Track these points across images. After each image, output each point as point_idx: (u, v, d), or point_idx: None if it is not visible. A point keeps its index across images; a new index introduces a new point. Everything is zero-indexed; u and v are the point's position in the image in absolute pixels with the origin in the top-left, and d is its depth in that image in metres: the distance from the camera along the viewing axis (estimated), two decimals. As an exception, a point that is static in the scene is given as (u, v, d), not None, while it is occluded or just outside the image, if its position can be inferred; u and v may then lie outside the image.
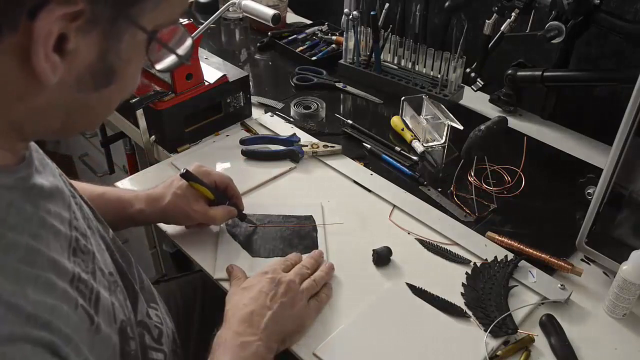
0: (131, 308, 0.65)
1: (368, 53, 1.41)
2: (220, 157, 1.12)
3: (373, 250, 0.90)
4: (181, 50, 0.52)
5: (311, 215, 0.98)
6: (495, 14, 1.17)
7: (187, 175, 0.87)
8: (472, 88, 1.30)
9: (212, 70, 1.17)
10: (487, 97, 1.32)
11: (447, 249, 0.92)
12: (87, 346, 0.48)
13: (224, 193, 0.92)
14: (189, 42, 0.52)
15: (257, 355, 0.70)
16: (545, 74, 1.18)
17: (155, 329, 0.70)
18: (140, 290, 0.70)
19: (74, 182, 0.76)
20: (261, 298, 0.75)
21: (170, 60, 0.52)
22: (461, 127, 1.10)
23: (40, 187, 0.52)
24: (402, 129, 1.21)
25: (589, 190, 0.97)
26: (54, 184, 0.55)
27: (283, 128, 1.20)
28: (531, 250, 0.90)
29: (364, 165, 1.11)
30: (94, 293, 0.53)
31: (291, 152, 1.11)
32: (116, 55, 0.47)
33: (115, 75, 0.48)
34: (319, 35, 1.62)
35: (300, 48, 1.54)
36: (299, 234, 0.94)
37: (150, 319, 0.70)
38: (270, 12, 1.13)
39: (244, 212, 0.94)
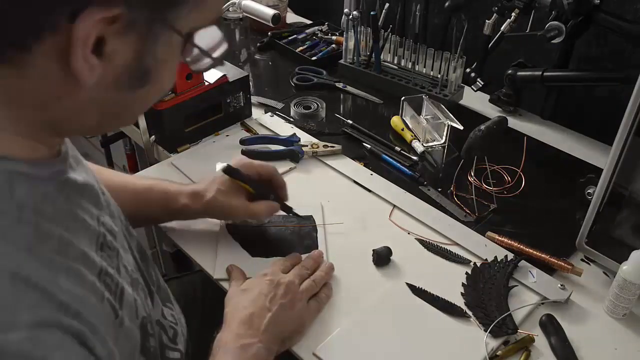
0: (151, 306, 0.66)
1: (368, 53, 1.41)
2: (220, 157, 1.11)
3: (373, 250, 0.90)
4: (216, 53, 0.53)
5: (311, 215, 0.97)
6: (495, 14, 1.17)
7: (228, 170, 0.86)
8: (472, 88, 1.30)
9: (212, 70, 1.17)
10: (487, 97, 1.32)
11: (447, 249, 0.92)
12: (112, 339, 0.50)
13: (267, 185, 0.90)
14: (224, 45, 0.53)
15: (258, 357, 0.70)
16: (545, 74, 1.18)
17: (170, 329, 0.70)
18: (156, 291, 0.71)
19: (119, 174, 0.76)
20: (260, 300, 0.76)
21: (205, 62, 0.54)
22: (461, 127, 1.10)
23: (74, 182, 0.53)
24: (402, 129, 1.21)
25: (589, 190, 0.97)
26: (86, 180, 0.57)
27: (283, 128, 1.20)
28: (531, 250, 0.90)
29: (364, 165, 1.11)
30: (119, 288, 0.55)
31: (291, 152, 1.11)
32: (152, 57, 0.48)
33: (150, 76, 0.49)
34: (319, 35, 1.62)
35: (300, 48, 1.54)
36: (299, 234, 0.94)
37: (166, 319, 0.71)
38: (270, 12, 1.13)
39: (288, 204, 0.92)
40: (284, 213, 0.92)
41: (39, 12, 0.41)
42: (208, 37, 0.51)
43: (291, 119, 1.25)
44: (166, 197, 0.88)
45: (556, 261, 0.88)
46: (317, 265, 0.86)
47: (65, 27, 0.41)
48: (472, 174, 1.07)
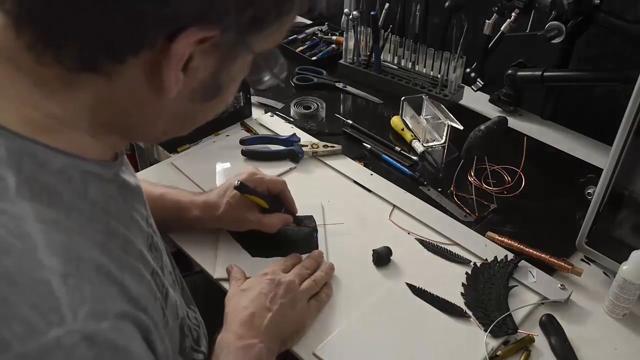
0: (184, 307, 0.67)
1: (368, 53, 1.41)
2: (220, 157, 1.12)
3: (373, 250, 0.90)
4: (279, 72, 0.56)
5: (311, 215, 0.97)
6: (495, 14, 1.17)
7: (240, 188, 0.86)
8: (472, 88, 1.30)
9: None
10: (487, 97, 1.32)
11: (447, 249, 0.92)
12: (161, 337, 0.51)
13: (277, 198, 0.91)
14: (282, 62, 0.57)
15: (260, 358, 0.70)
16: (545, 74, 1.18)
17: (194, 331, 0.71)
18: (180, 293, 0.71)
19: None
20: (261, 300, 0.76)
21: (265, 78, 0.57)
22: (461, 127, 1.10)
23: (128, 184, 0.56)
24: (402, 129, 1.21)
25: (589, 190, 0.97)
26: (136, 182, 0.59)
27: (283, 128, 1.20)
28: (531, 250, 0.90)
29: (364, 165, 1.11)
30: (165, 288, 0.56)
31: (291, 152, 1.11)
32: (227, 74, 0.50)
33: (221, 91, 0.52)
34: (319, 35, 1.62)
35: (300, 48, 1.55)
36: (299, 234, 0.94)
37: (190, 321, 0.71)
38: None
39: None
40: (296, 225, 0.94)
41: (145, 29, 0.42)
42: (270, 55, 0.54)
43: (291, 119, 1.25)
44: (179, 207, 0.89)
45: (556, 261, 0.88)
46: (317, 265, 0.86)
47: (163, 44, 0.43)
48: (472, 174, 1.07)
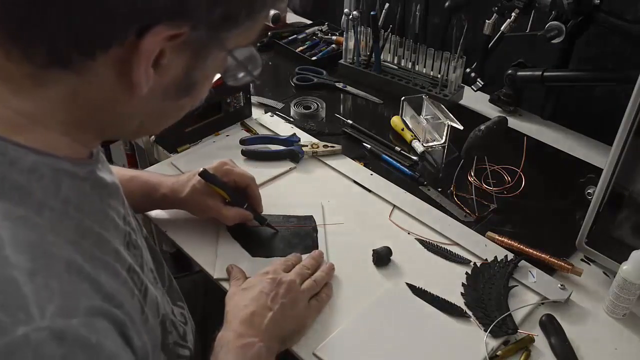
0: (169, 304, 0.67)
1: (368, 53, 1.41)
2: (220, 157, 1.10)
3: (373, 250, 0.90)
4: (253, 69, 0.56)
5: (311, 215, 0.98)
6: (495, 14, 1.17)
7: (204, 174, 0.88)
8: (472, 88, 1.30)
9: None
10: (487, 97, 1.32)
11: (447, 249, 0.92)
12: (140, 333, 0.51)
13: (243, 193, 0.92)
14: (258, 60, 0.56)
15: (259, 357, 0.70)
16: (545, 74, 1.18)
17: (180, 327, 0.71)
18: (167, 290, 0.72)
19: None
20: (262, 299, 0.76)
21: (241, 76, 0.57)
22: (461, 127, 1.10)
23: (105, 182, 0.56)
24: (402, 129, 1.21)
25: (589, 190, 0.97)
26: (113, 180, 0.59)
27: (283, 128, 1.20)
28: (531, 250, 0.90)
29: (364, 165, 1.11)
30: (144, 285, 0.56)
31: (291, 152, 1.11)
32: (200, 72, 0.51)
33: (195, 87, 0.52)
34: (319, 35, 1.62)
35: (300, 48, 1.54)
36: (299, 234, 0.94)
37: (176, 317, 0.71)
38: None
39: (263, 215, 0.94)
40: (257, 223, 0.94)
41: (114, 25, 0.42)
42: (244, 52, 0.53)
43: (291, 119, 1.25)
44: (147, 186, 0.91)
45: (556, 261, 0.88)
46: (317, 264, 0.86)
47: (132, 40, 0.43)
48: (472, 174, 1.07)
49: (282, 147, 1.12)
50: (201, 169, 0.88)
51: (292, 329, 0.77)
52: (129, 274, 0.52)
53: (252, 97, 1.25)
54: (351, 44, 1.42)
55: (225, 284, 0.85)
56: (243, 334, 0.71)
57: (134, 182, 0.90)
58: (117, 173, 0.84)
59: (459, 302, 0.83)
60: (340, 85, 1.39)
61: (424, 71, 1.36)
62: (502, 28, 1.17)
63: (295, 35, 1.60)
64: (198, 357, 0.75)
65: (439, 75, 1.31)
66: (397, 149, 1.16)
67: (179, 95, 0.52)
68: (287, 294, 0.77)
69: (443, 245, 0.93)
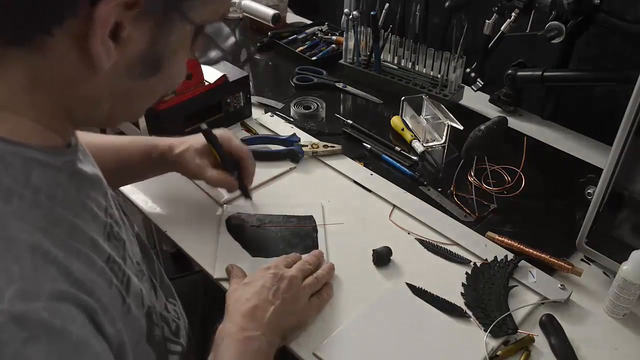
0: (155, 298, 0.67)
1: (368, 53, 1.41)
2: (220, 157, 1.11)
3: (373, 250, 0.90)
4: (225, 45, 0.54)
5: (311, 215, 0.98)
6: (495, 14, 1.17)
7: (205, 131, 0.89)
8: (472, 88, 1.30)
9: (212, 70, 1.17)
10: (487, 97, 1.32)
11: (447, 249, 0.92)
12: (121, 322, 0.51)
13: (234, 164, 0.93)
14: (231, 39, 0.55)
15: (260, 351, 0.71)
16: (545, 74, 1.18)
17: (172, 322, 0.71)
18: (159, 285, 0.72)
19: (102, 135, 0.78)
20: (264, 293, 0.76)
21: (213, 54, 0.55)
22: (461, 127, 1.10)
23: (84, 173, 0.55)
24: (402, 129, 1.21)
25: (589, 190, 0.97)
26: (94, 172, 0.58)
27: (283, 128, 1.20)
28: (531, 250, 0.90)
29: (364, 165, 1.11)
30: (126, 276, 0.56)
31: (291, 152, 1.11)
32: (165, 46, 0.50)
33: (162, 65, 0.51)
34: (319, 35, 1.62)
35: (300, 48, 1.54)
36: (299, 234, 0.94)
37: (169, 313, 0.72)
38: (270, 12, 1.13)
39: (250, 193, 0.95)
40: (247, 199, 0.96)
41: None
42: (212, 28, 0.52)
43: (291, 119, 1.25)
44: (146, 148, 0.92)
45: (556, 261, 0.88)
46: (318, 262, 0.86)
47: (86, 11, 0.43)
48: (472, 174, 1.07)
49: (282, 147, 1.12)
50: (204, 126, 0.89)
51: (293, 324, 0.77)
52: (107, 264, 0.52)
53: (252, 97, 1.25)
54: (351, 44, 1.42)
55: (225, 284, 0.85)
56: (245, 327, 0.71)
57: (134, 145, 0.91)
58: (116, 139, 0.85)
59: (459, 302, 0.83)
60: (340, 85, 1.39)
61: (424, 71, 1.36)
62: (502, 28, 1.17)
63: (295, 35, 1.60)
64: (192, 355, 0.75)
65: (439, 75, 1.31)
66: (397, 149, 1.16)
67: (146, 73, 0.51)
68: (289, 289, 0.77)
69: (443, 245, 0.93)
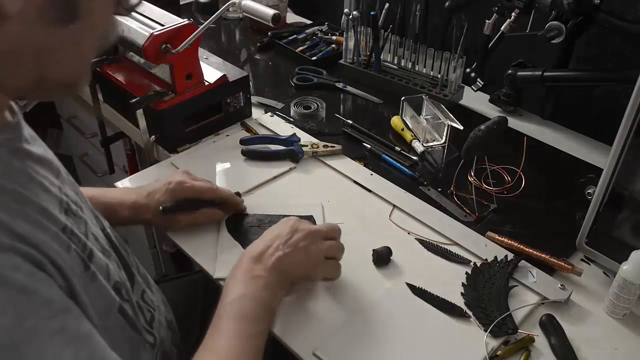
0: (128, 282, 0.68)
1: (368, 53, 1.41)
2: (220, 157, 1.12)
3: (373, 250, 0.90)
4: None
5: (311, 215, 0.97)
6: (495, 14, 1.17)
7: (165, 211, 0.89)
8: (472, 88, 1.30)
9: (212, 70, 1.17)
10: (487, 97, 1.32)
11: (447, 249, 0.92)
12: (81, 286, 0.53)
13: (203, 200, 0.93)
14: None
15: (266, 289, 0.72)
16: (545, 74, 1.18)
17: (147, 312, 0.72)
18: (137, 273, 0.73)
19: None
20: (276, 241, 0.77)
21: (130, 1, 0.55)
22: (461, 127, 1.10)
23: (29, 152, 0.55)
24: (402, 129, 1.21)
25: (589, 190, 0.97)
26: (44, 154, 0.58)
27: (283, 128, 1.20)
28: (531, 250, 0.90)
29: (364, 165, 1.11)
30: (88, 248, 0.57)
31: (291, 152, 1.11)
32: None
33: (77, 9, 0.48)
34: (319, 35, 1.62)
35: (300, 48, 1.55)
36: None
37: (145, 302, 0.72)
38: (270, 12, 1.12)
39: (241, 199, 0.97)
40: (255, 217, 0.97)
41: None
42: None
43: (291, 119, 1.25)
44: (106, 209, 0.86)
45: (556, 261, 0.88)
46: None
47: None
48: (472, 174, 1.07)
49: (282, 147, 1.12)
50: (161, 208, 0.89)
51: (300, 273, 0.78)
52: (65, 233, 0.53)
53: (252, 97, 1.25)
54: (351, 44, 1.42)
55: (225, 284, 0.85)
56: (252, 268, 0.73)
57: (94, 203, 0.86)
58: (104, 198, 0.85)
59: (459, 302, 0.83)
60: (340, 85, 1.39)
61: (424, 71, 1.36)
62: (502, 28, 1.17)
63: (295, 35, 1.60)
64: (185, 354, 0.75)
65: (439, 75, 1.31)
66: (397, 149, 1.16)
67: (62, 18, 0.47)
68: (303, 239, 0.77)
69: (443, 245, 0.93)
